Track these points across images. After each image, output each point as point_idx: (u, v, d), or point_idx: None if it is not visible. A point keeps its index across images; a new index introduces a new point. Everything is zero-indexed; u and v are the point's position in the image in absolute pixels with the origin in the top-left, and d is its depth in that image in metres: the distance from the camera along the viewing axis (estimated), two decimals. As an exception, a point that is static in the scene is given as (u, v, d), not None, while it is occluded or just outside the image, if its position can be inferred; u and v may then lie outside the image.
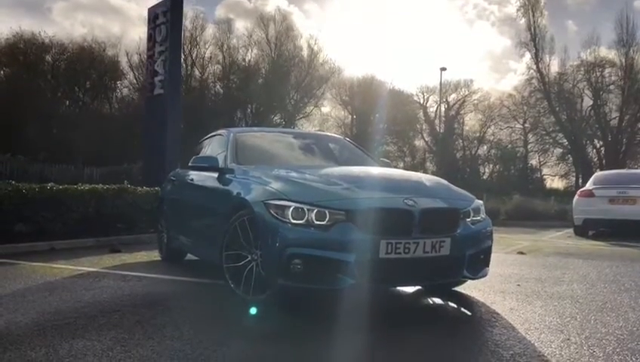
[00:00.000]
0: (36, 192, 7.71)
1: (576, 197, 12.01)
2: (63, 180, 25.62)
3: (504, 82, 64.42)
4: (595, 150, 49.36)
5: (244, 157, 5.00)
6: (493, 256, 4.33)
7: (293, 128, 46.26)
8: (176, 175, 6.47)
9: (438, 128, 53.79)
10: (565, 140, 49.08)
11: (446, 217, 3.92)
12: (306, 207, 3.68)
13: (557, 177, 51.96)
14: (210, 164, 4.94)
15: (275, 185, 4.00)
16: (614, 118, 45.43)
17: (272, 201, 3.79)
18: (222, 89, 42.95)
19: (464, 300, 4.27)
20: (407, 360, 2.90)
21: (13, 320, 3.51)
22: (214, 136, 5.96)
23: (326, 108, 49.96)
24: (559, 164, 50.87)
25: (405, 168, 50.82)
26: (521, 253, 7.89)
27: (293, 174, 4.30)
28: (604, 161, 47.28)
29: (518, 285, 5.03)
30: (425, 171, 51.64)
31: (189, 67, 40.12)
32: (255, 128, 6.24)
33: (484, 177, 53.63)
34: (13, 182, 7.78)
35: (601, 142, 48.62)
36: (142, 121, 17.16)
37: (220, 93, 42.90)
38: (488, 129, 52.25)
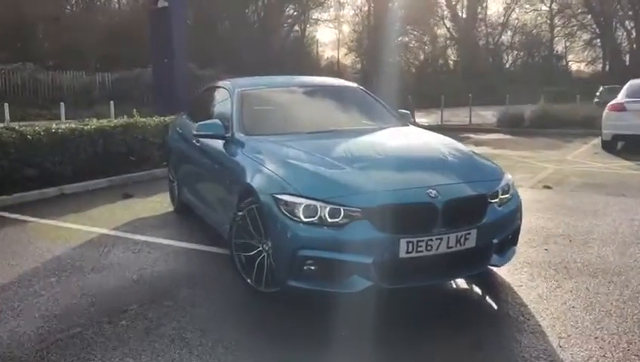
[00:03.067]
0: (41, 136, 7.42)
1: (605, 110, 11.37)
2: (74, 88, 25.51)
3: (531, -40, 60.28)
4: (625, 33, 47.10)
5: (251, 123, 4.61)
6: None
7: (306, 38, 44.51)
8: (182, 126, 6.09)
9: (460, 13, 51.38)
10: (594, 23, 46.81)
11: (472, 206, 3.57)
12: (318, 204, 3.36)
13: (583, 64, 50.14)
14: (215, 132, 4.56)
15: (285, 174, 3.65)
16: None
17: (282, 196, 3.46)
18: (231, -18, 40.92)
19: (487, 284, 4.01)
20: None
21: (16, 329, 3.37)
22: (217, 89, 5.51)
23: (342, -5, 47.62)
24: (586, 49, 48.94)
25: (426, 59, 49.18)
26: (547, 186, 7.54)
27: (304, 156, 3.91)
28: (634, 46, 45.19)
29: (546, 249, 4.75)
30: (446, 61, 50.02)
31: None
32: (259, 80, 5.60)
33: (507, 66, 52.02)
34: (17, 127, 7.49)
35: (632, 24, 46.28)
36: (147, 39, 16.41)
37: (229, -14, 40.89)
38: (512, 12, 49.88)
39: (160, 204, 6.77)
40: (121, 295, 3.91)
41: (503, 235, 3.73)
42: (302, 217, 3.37)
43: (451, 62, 51.50)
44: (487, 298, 3.89)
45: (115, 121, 8.72)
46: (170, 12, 12.76)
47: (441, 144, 4.30)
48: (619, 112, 10.85)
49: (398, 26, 41.29)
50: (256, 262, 3.73)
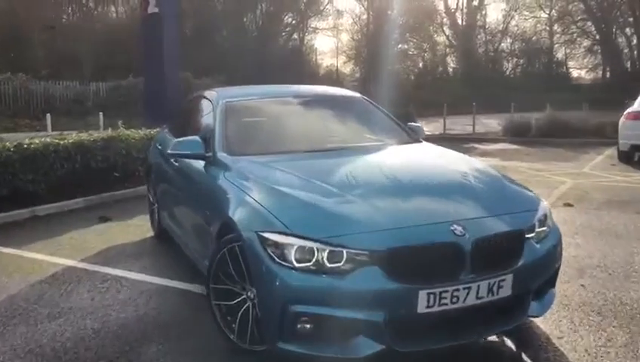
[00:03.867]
0: (11, 152, 6.72)
1: (622, 118, 10.69)
2: (67, 98, 24.87)
3: (530, -33, 59.96)
4: (626, 39, 46.75)
5: (237, 140, 3.91)
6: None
7: (303, 43, 44.25)
8: (162, 141, 5.38)
9: (459, 21, 51.01)
10: (594, 29, 46.40)
11: (506, 244, 2.87)
12: (315, 245, 2.67)
13: (584, 71, 49.77)
14: (192, 151, 3.85)
15: (274, 206, 2.95)
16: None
17: (269, 235, 2.77)
18: (228, -10, 40.33)
19: (521, 336, 3.29)
20: None
21: None
22: (201, 99, 4.82)
23: (341, 3, 47.26)
24: (586, 56, 48.59)
25: (425, 66, 48.65)
26: (569, 204, 6.84)
27: (298, 181, 3.22)
28: (635, 53, 44.78)
29: (582, 286, 4.05)
30: (445, 69, 49.49)
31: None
32: (250, 90, 4.91)
33: (507, 73, 51.70)
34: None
35: (632, 30, 45.88)
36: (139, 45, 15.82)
37: (226, -6, 40.31)
38: (512, 20, 49.49)
39: (139, 228, 6.06)
40: (75, 353, 3.20)
41: (543, 278, 3.04)
42: (294, 262, 2.67)
43: (451, 70, 51.11)
44: (523, 355, 3.17)
45: (96, 134, 8.01)
46: (161, 18, 12.17)
47: (465, 165, 3.60)
48: (636, 121, 10.17)
49: (397, 33, 40.78)
50: (239, 313, 3.03)
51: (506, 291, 2.80)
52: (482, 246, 2.75)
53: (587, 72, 50.23)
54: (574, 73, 50.94)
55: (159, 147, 5.39)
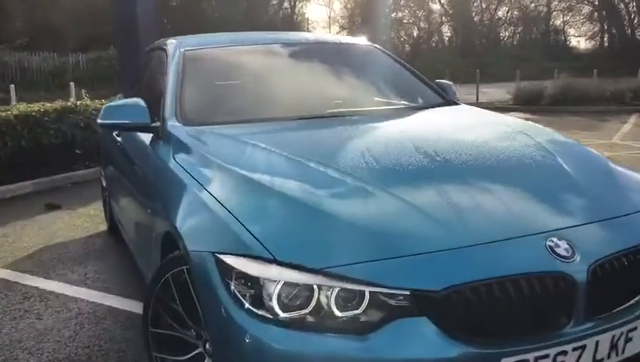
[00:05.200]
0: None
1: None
2: (44, 70, 23.46)
3: None
4: (624, 6, 45.63)
5: (196, 103, 2.70)
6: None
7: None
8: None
9: (455, -13, 49.72)
10: (593, -5, 45.24)
11: (634, 268, 1.71)
12: (315, 281, 1.50)
13: (583, 39, 48.67)
14: (132, 121, 2.63)
15: (244, 208, 1.77)
16: None
17: (234, 261, 1.59)
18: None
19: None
20: None
21: None
22: (156, 51, 3.57)
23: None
24: (585, 23, 47.55)
25: (419, 35, 47.21)
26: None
27: (286, 165, 2.04)
28: (636, 19, 43.54)
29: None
30: (441, 38, 48.05)
31: None
32: (222, 37, 3.60)
33: (504, 41, 50.66)
34: None
35: (632, -3, 44.69)
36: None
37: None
38: (509, -16, 48.23)
39: (92, 219, 4.88)
40: None
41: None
42: (277, 310, 1.51)
43: (446, 39, 49.96)
44: None
45: (49, 105, 6.74)
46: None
47: (544, 140, 2.33)
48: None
49: (392, 1, 39.44)
50: (194, 378, 1.88)
51: (636, 346, 1.66)
52: (604, 274, 1.60)
53: (587, 39, 49.14)
54: (573, 41, 49.87)
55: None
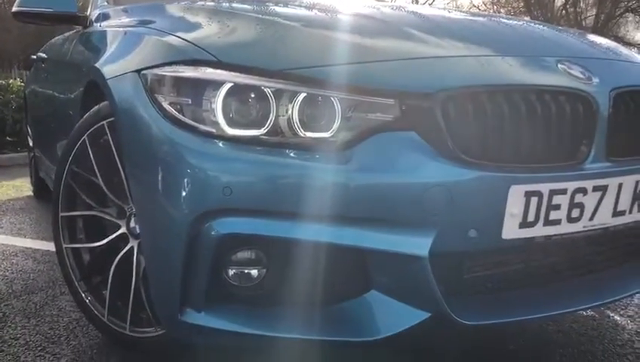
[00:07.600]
0: None
1: None
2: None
3: (475, -22, 60.96)
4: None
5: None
6: None
7: None
8: (50, 48, 3.55)
9: None
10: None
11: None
12: (270, 86, 1.14)
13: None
14: (57, 10, 2.21)
15: (189, 28, 1.40)
16: (589, 17, 43.80)
17: (164, 71, 1.22)
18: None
19: None
20: None
21: None
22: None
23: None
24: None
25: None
26: None
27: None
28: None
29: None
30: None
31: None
32: None
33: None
34: None
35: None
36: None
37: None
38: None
39: (17, 188, 4.37)
40: None
41: None
42: (223, 124, 1.14)
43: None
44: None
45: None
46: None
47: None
48: None
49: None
50: (113, 266, 1.46)
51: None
52: (626, 108, 1.31)
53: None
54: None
55: (43, 56, 3.52)
